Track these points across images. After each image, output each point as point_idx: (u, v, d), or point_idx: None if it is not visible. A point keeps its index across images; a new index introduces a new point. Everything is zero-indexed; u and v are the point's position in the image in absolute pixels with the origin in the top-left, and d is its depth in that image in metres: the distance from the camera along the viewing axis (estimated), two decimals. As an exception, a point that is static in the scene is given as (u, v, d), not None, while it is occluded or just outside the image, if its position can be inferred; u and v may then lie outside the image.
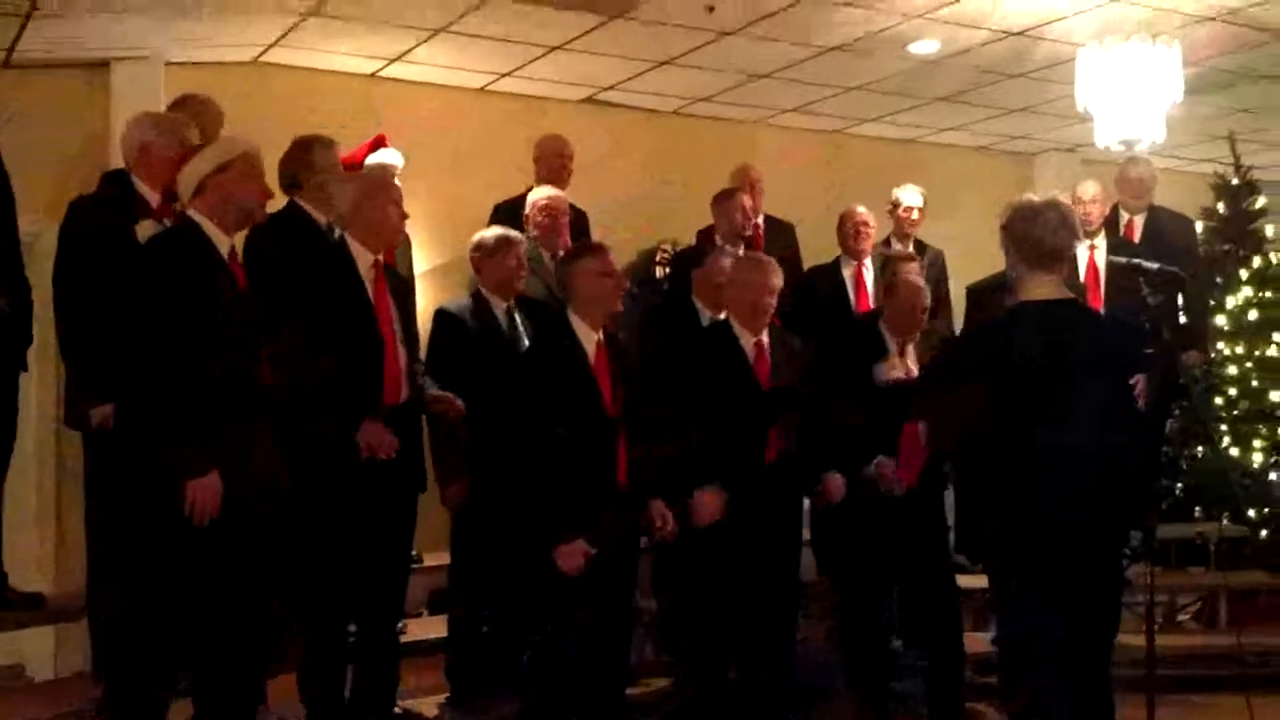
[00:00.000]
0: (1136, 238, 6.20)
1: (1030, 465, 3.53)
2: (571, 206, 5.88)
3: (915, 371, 4.92)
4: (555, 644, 4.20)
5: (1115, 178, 6.44)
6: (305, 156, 4.72)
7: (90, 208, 4.21)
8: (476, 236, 4.97)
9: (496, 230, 4.95)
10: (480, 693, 4.81)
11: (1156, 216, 6.34)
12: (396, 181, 5.17)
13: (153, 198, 4.18)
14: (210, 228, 3.73)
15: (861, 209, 6.38)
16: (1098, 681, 3.67)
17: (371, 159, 5.35)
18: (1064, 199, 3.75)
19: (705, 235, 6.14)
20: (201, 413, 3.54)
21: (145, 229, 4.05)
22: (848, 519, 4.95)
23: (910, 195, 6.62)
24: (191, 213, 3.75)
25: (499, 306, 4.84)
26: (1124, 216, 6.35)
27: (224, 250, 3.75)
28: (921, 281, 5.17)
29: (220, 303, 3.64)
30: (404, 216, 4.42)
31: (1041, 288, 3.59)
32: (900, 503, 4.83)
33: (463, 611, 4.92)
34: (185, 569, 3.57)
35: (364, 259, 4.21)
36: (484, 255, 4.88)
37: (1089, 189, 6.15)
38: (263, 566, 3.81)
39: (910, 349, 5.00)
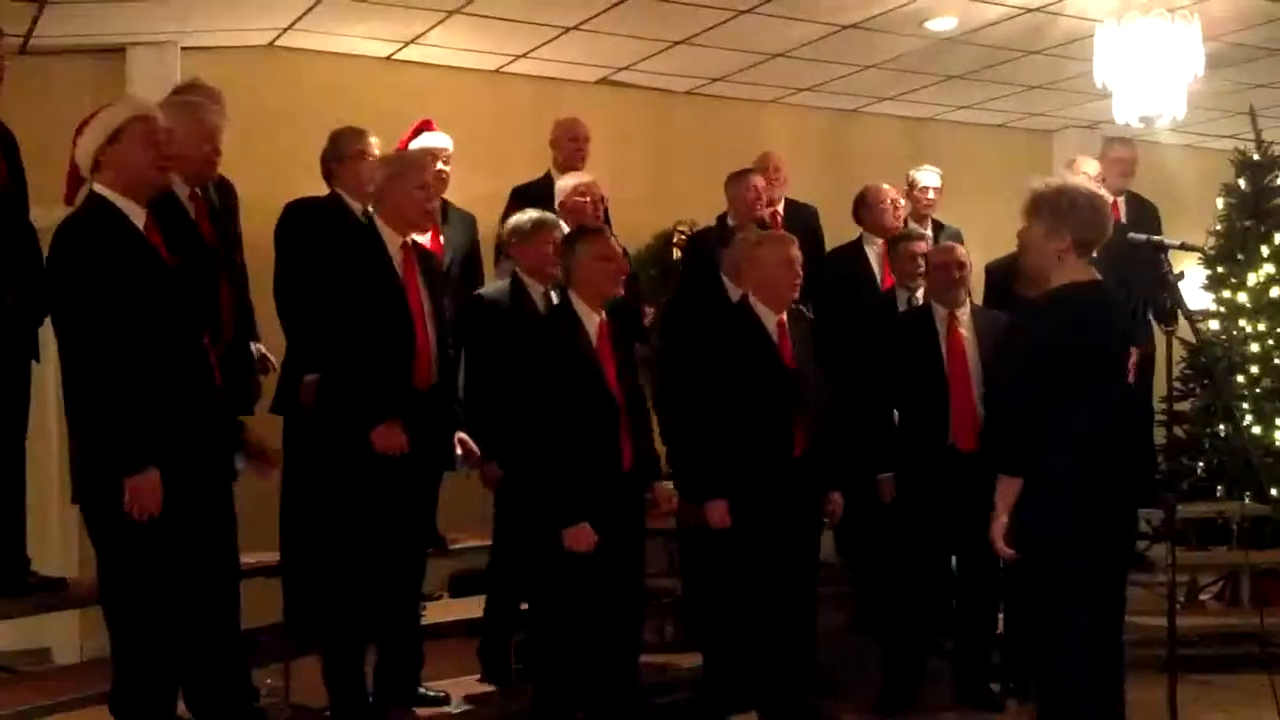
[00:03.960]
0: (1123, 218, 6.24)
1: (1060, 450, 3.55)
2: None
3: (969, 338, 4.93)
4: (563, 628, 4.22)
5: (1102, 157, 6.50)
6: (334, 147, 4.90)
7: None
8: (512, 220, 4.95)
9: (532, 214, 4.91)
10: (511, 674, 4.82)
11: (1132, 199, 6.49)
12: (441, 164, 5.20)
13: (182, 188, 4.14)
14: (121, 201, 3.53)
15: (886, 186, 6.32)
16: (1108, 663, 3.68)
17: (416, 143, 5.32)
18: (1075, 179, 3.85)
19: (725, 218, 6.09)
20: (142, 401, 3.41)
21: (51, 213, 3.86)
22: (897, 506, 4.95)
23: (927, 176, 6.56)
24: (98, 188, 3.55)
25: (536, 290, 4.83)
26: (1107, 198, 6.36)
27: (140, 223, 3.56)
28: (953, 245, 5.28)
29: (146, 280, 3.49)
30: (429, 199, 4.40)
31: (1080, 271, 3.61)
32: (954, 481, 4.78)
33: (497, 593, 4.92)
34: (147, 563, 3.49)
35: (393, 241, 4.22)
36: (520, 239, 4.86)
37: (1094, 166, 6.23)
38: (226, 558, 3.82)
39: (963, 317, 4.99)
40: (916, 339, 5.04)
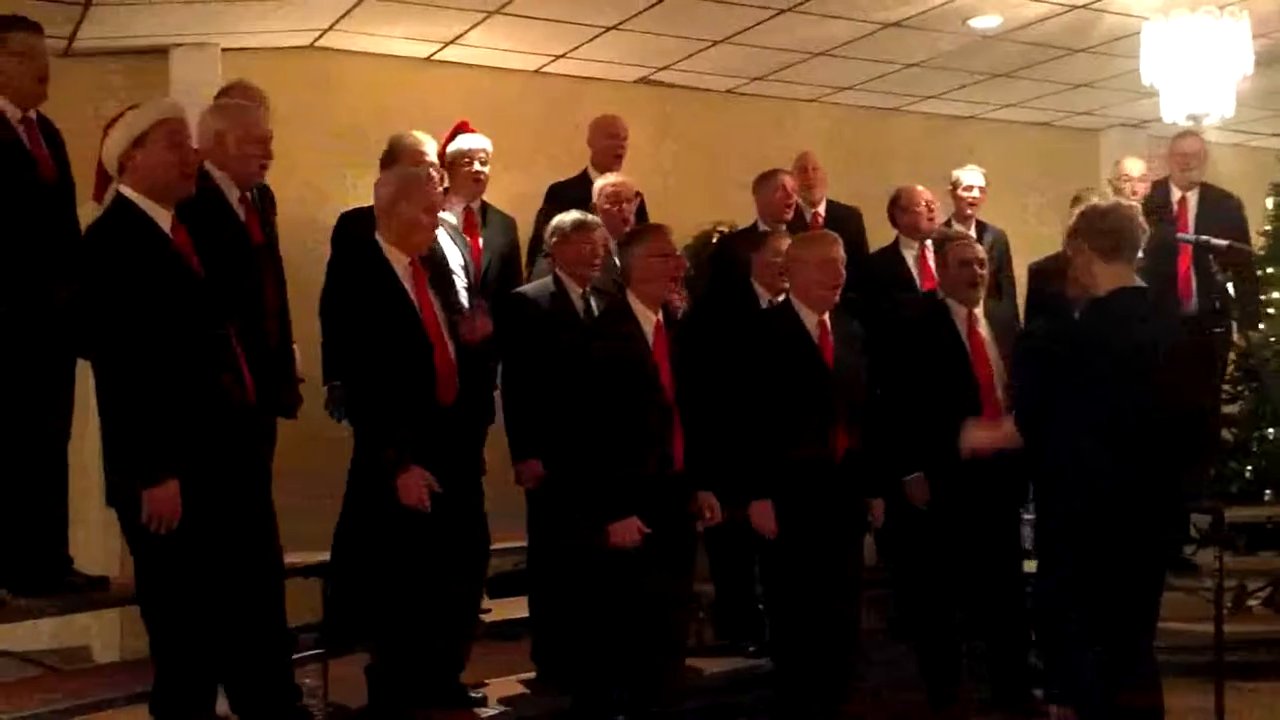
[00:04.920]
0: (1190, 216, 6.17)
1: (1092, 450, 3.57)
2: None
3: (987, 338, 4.86)
4: (605, 627, 4.21)
5: (1166, 152, 6.41)
6: (392, 155, 4.92)
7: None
8: (554, 221, 4.90)
9: (574, 214, 4.87)
10: (564, 674, 4.74)
11: (1207, 194, 6.29)
12: (479, 165, 5.21)
13: (232, 190, 4.12)
14: (147, 204, 3.52)
15: (920, 187, 6.25)
16: (1135, 663, 3.68)
17: (454, 144, 5.29)
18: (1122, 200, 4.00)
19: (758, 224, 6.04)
20: (163, 409, 3.40)
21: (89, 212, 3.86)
22: (924, 510, 4.89)
23: (971, 175, 6.45)
24: (124, 190, 3.55)
25: (575, 291, 4.80)
26: (1175, 194, 6.26)
27: (165, 226, 3.54)
28: (973, 242, 5.17)
29: (169, 284, 3.47)
30: (435, 223, 4.28)
31: (1121, 278, 3.76)
32: (976, 486, 4.69)
33: (542, 593, 4.89)
34: (182, 564, 3.51)
35: (399, 261, 4.08)
36: (561, 239, 4.82)
37: (1137, 166, 6.17)
38: (265, 557, 3.82)
39: (978, 315, 4.92)
40: (935, 338, 4.90)
